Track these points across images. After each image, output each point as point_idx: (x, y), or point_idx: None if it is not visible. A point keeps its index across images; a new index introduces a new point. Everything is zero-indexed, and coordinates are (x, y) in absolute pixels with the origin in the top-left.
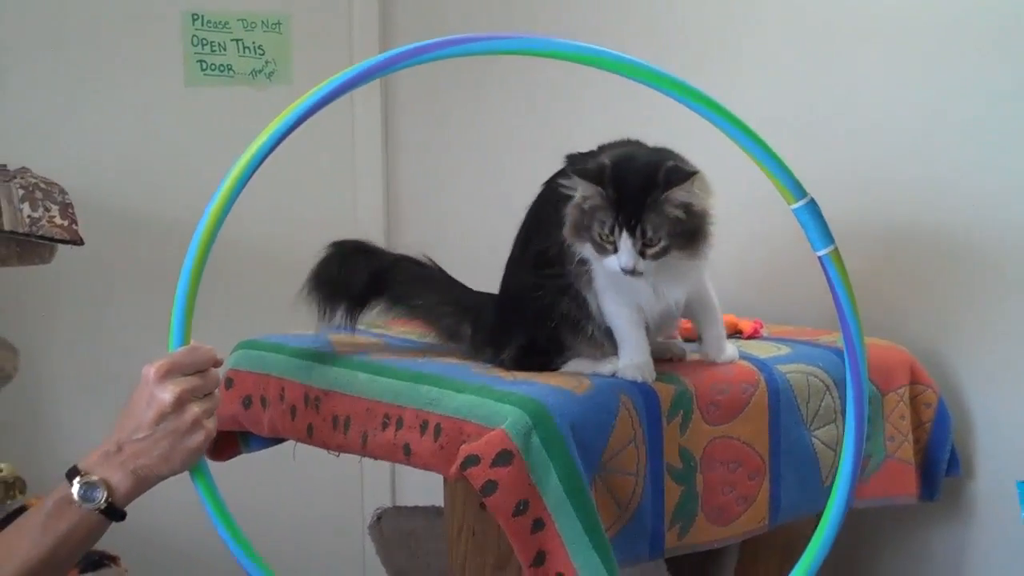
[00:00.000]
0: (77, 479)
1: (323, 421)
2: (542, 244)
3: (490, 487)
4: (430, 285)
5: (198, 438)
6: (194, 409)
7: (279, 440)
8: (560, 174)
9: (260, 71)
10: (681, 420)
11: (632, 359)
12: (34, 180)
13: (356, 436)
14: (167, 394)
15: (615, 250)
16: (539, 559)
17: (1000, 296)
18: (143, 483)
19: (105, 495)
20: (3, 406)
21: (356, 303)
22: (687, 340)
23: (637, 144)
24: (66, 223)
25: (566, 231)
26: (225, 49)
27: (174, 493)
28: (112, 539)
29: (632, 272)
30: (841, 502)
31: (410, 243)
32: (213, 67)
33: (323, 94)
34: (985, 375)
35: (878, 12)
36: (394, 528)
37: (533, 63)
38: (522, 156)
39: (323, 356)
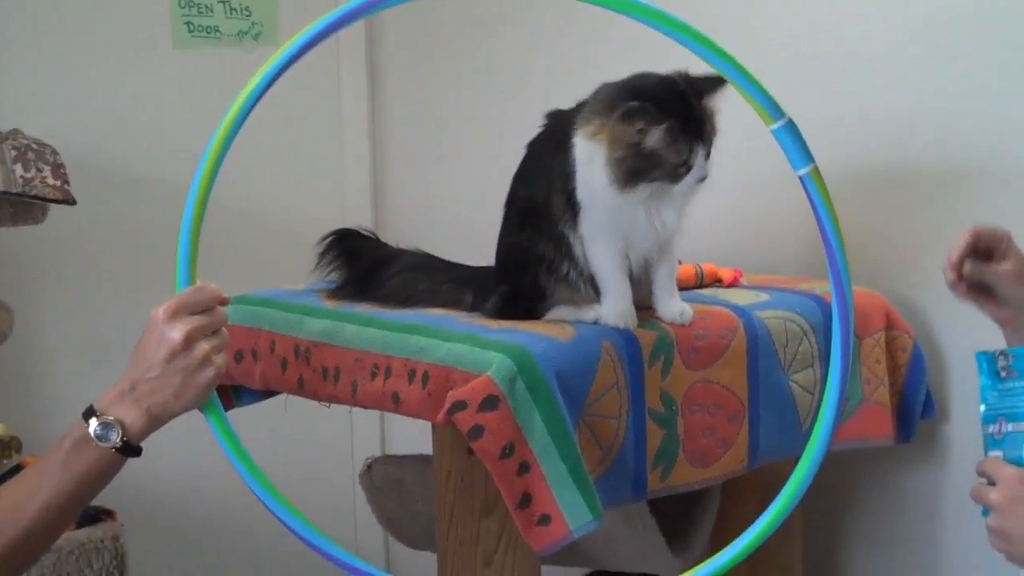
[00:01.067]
0: (93, 419)
1: (313, 373)
2: (526, 195)
3: (477, 431)
4: (430, 271)
5: (208, 374)
6: (203, 346)
7: (271, 393)
8: (545, 134)
9: (247, 32)
10: (662, 365)
11: (615, 306)
12: (26, 141)
13: (346, 386)
14: (176, 333)
15: (688, 170)
16: (525, 501)
17: None
18: (156, 420)
19: (120, 434)
20: None
21: (362, 282)
22: None
23: (636, 76)
24: (58, 183)
25: (615, 186)
26: (212, 11)
27: (170, 449)
28: (108, 494)
29: (703, 179)
30: (831, 417)
31: (398, 217)
32: (200, 28)
33: (320, 28)
34: (959, 320)
35: None
36: (384, 476)
37: (525, 40)
38: (512, 132)
39: (312, 309)
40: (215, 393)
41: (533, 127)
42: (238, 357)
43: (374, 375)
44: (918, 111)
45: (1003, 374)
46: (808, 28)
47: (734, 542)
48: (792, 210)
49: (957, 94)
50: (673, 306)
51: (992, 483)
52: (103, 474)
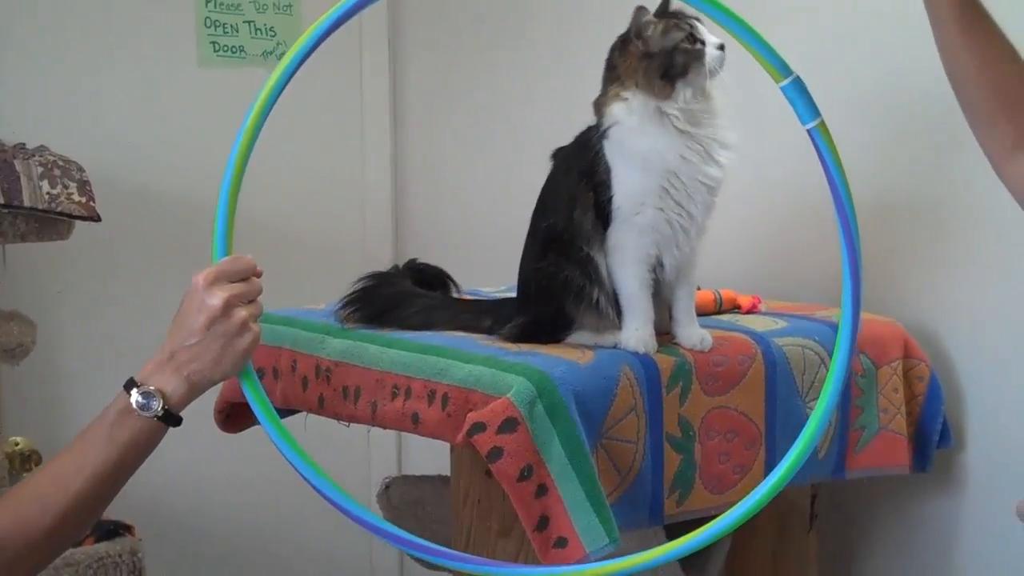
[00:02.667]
0: (135, 389)
1: (334, 392)
2: (548, 224)
3: (496, 453)
4: (449, 306)
5: (247, 340)
6: (241, 313)
7: (292, 411)
8: (558, 166)
9: (271, 52)
10: (680, 391)
11: (637, 330)
12: (52, 158)
13: (366, 406)
14: (216, 299)
15: (703, 43)
16: (542, 523)
17: (991, 272)
18: (196, 388)
19: (161, 403)
20: (20, 381)
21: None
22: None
23: None
24: (84, 200)
25: (656, 93)
26: (237, 31)
27: (188, 465)
28: (126, 508)
29: (721, 47)
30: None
31: (418, 236)
32: (225, 48)
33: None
34: (976, 350)
35: None
36: (402, 496)
37: (544, 36)
38: (529, 127)
39: (334, 329)
40: (250, 361)
41: (547, 120)
42: (260, 375)
43: (394, 395)
44: (938, 142)
45: None
46: (826, 57)
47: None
48: (811, 238)
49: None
50: (693, 333)
51: None
52: (147, 443)
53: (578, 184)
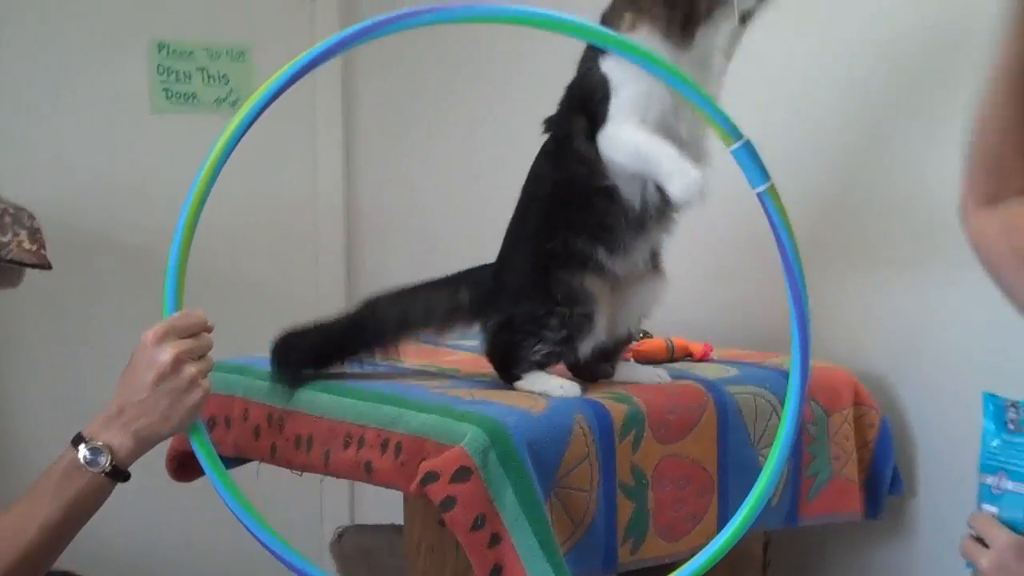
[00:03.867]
0: (82, 445)
1: (286, 441)
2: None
3: (449, 503)
4: (410, 295)
5: (195, 396)
6: (191, 369)
7: (243, 460)
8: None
9: (224, 99)
10: (633, 438)
11: (674, 163)
12: (3, 205)
13: (319, 455)
14: (165, 355)
15: None
16: (496, 573)
17: (941, 320)
18: (144, 443)
19: (109, 459)
20: None
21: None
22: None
23: None
24: (35, 247)
25: (676, 40)
26: (190, 78)
27: (137, 514)
28: (77, 559)
29: None
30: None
31: (369, 264)
32: (178, 95)
33: (303, 63)
34: (926, 397)
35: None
36: (355, 546)
37: (498, 60)
38: (481, 132)
39: None
40: (199, 417)
41: (507, 154)
42: (211, 424)
43: (347, 444)
44: (886, 187)
45: (1011, 427)
46: (782, 88)
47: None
48: (762, 286)
49: (925, 169)
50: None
51: (983, 542)
52: (94, 498)
53: (573, 115)
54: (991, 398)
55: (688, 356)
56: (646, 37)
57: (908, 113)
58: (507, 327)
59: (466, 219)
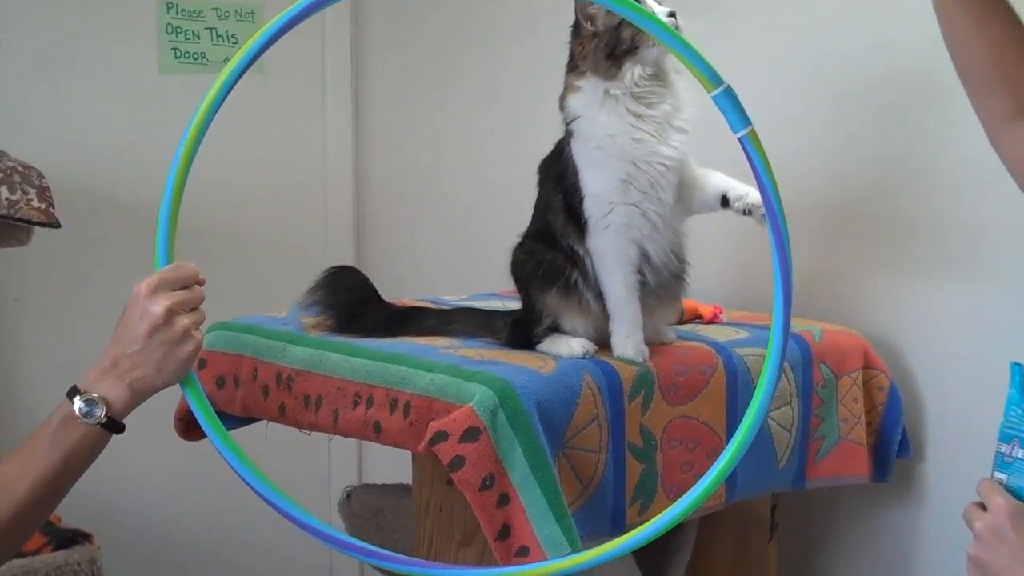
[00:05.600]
0: (77, 397)
1: (295, 400)
2: (534, 226)
3: (458, 462)
4: (464, 313)
5: (189, 347)
6: (184, 320)
7: (252, 420)
8: (544, 162)
9: (232, 58)
10: (643, 400)
11: (628, 336)
12: (11, 164)
13: (327, 415)
14: (158, 307)
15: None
16: (504, 532)
17: (950, 283)
18: (139, 395)
19: (104, 410)
20: None
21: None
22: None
23: None
24: (43, 206)
25: (605, 79)
26: (199, 37)
27: (147, 473)
28: (86, 516)
29: (672, 14)
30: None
31: (378, 226)
32: (187, 55)
33: (292, 14)
34: (936, 360)
35: None
36: (363, 505)
37: (510, 37)
38: (494, 130)
39: (295, 337)
40: (193, 369)
41: (519, 131)
42: (220, 383)
43: (356, 404)
44: (894, 152)
45: None
46: (784, 66)
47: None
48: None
49: (932, 137)
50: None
51: (985, 508)
52: (90, 450)
53: (552, 188)
54: (1019, 367)
55: (698, 318)
56: (583, 86)
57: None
58: (521, 319)
59: (477, 178)
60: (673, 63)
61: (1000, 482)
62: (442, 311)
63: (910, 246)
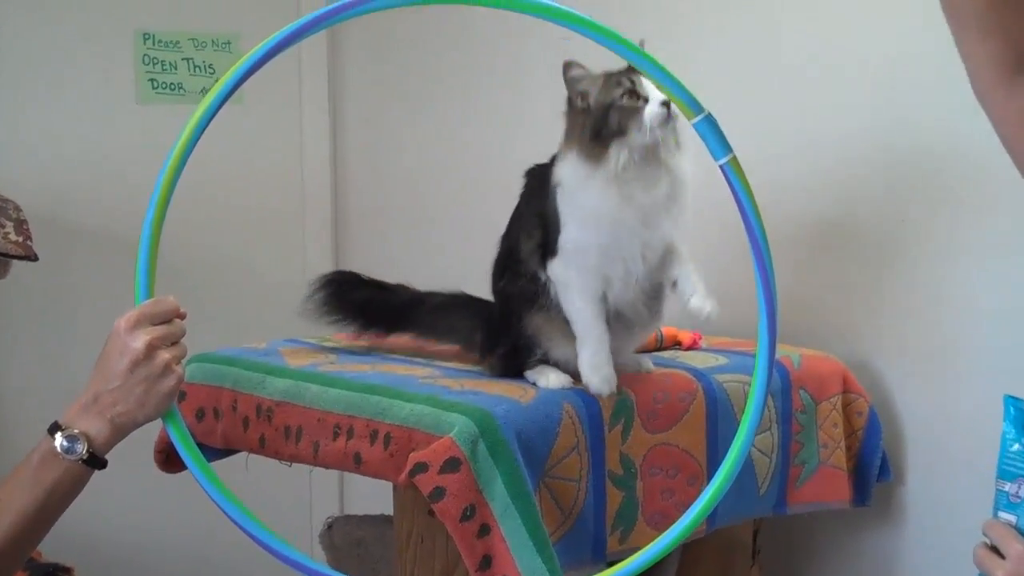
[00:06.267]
0: (59, 433)
1: (275, 432)
2: (509, 241)
3: (438, 493)
4: (455, 309)
5: (170, 382)
6: (164, 355)
7: (232, 451)
8: (533, 173)
9: (210, 89)
10: (623, 428)
11: (593, 356)
12: None
13: (308, 446)
14: (138, 342)
15: (644, 102)
16: (485, 563)
17: (929, 306)
18: (121, 430)
19: (86, 446)
20: None
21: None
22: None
23: None
24: (21, 239)
25: (587, 155)
26: (176, 68)
27: (127, 507)
28: (67, 551)
29: (665, 103)
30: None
31: (358, 255)
32: (164, 85)
33: (270, 46)
34: (914, 385)
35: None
36: (344, 536)
37: (486, 54)
38: (468, 108)
39: (275, 368)
40: (175, 403)
41: (497, 149)
42: (200, 415)
43: (336, 435)
44: (871, 177)
45: None
46: (764, 93)
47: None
48: (750, 272)
49: (908, 163)
50: (705, 303)
51: (999, 551)
52: (72, 486)
53: (534, 216)
54: (1013, 401)
55: (677, 345)
56: (568, 160)
57: (901, 104)
58: (510, 352)
59: (454, 197)
60: (673, 142)
61: (1009, 523)
62: (440, 305)
63: (887, 271)
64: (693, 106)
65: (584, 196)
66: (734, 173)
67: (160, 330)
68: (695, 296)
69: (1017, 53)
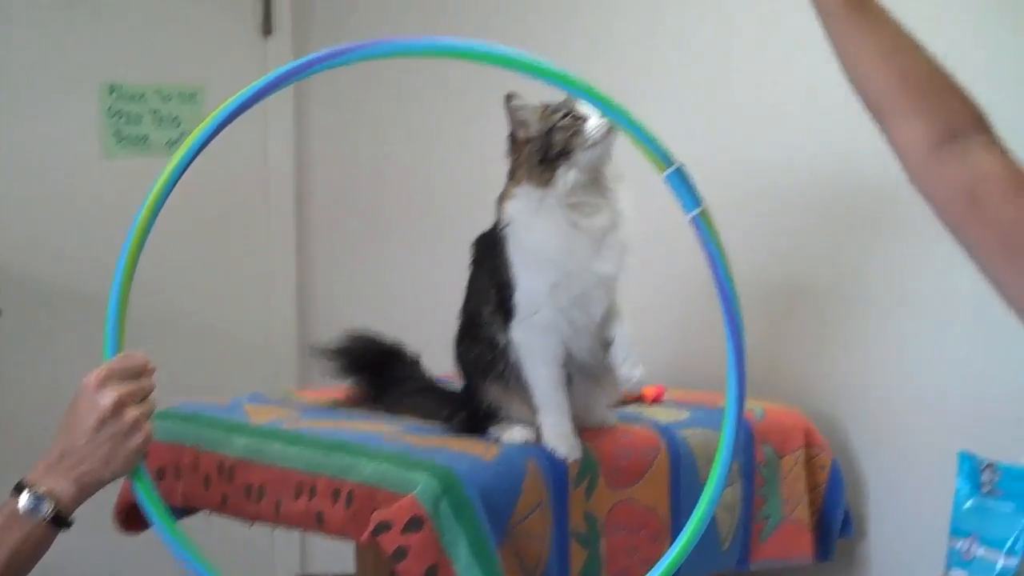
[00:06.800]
0: (24, 492)
1: (237, 490)
2: (468, 311)
3: (401, 553)
4: (437, 392)
5: (137, 440)
6: (133, 412)
7: (193, 511)
8: (480, 241)
9: (176, 142)
10: (587, 485)
11: (555, 426)
12: None
13: (270, 505)
14: (106, 399)
15: (583, 121)
16: None
17: (891, 361)
18: (86, 489)
19: (51, 506)
20: None
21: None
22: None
23: None
24: None
25: (537, 180)
26: (141, 120)
27: (89, 567)
28: None
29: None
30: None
31: (320, 305)
32: (129, 138)
33: (241, 101)
34: (877, 437)
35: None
36: None
37: (451, 101)
38: (426, 123)
39: (237, 425)
40: (142, 463)
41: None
42: (160, 475)
43: (298, 494)
44: (834, 230)
45: (985, 489)
46: (723, 127)
47: None
48: (714, 326)
49: (870, 217)
50: (633, 371)
51: None
52: (37, 547)
53: (487, 281)
54: (967, 457)
55: (641, 399)
56: (519, 194)
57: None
58: (471, 416)
59: (418, 204)
60: (612, 170)
61: None
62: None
63: (851, 324)
64: (663, 158)
65: (533, 231)
66: (705, 226)
67: (128, 386)
68: (625, 364)
69: (938, 128)
